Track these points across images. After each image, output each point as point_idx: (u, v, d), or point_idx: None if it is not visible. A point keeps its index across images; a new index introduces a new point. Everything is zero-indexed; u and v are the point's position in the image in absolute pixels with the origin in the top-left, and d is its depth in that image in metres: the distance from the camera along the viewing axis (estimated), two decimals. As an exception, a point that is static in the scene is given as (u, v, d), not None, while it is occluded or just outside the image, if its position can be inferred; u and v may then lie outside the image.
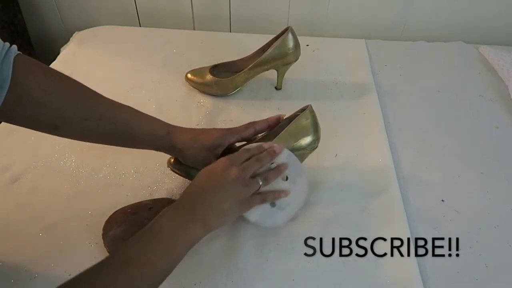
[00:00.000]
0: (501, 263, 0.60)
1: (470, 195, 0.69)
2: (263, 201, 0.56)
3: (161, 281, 0.47)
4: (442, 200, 0.68)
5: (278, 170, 0.57)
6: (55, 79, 0.55)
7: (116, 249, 0.46)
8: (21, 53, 0.51)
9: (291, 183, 0.59)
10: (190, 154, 0.61)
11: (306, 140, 0.63)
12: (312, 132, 0.63)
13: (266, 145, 0.58)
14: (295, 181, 0.59)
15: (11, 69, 0.48)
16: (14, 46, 0.51)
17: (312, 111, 0.63)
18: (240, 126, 0.63)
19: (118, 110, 0.59)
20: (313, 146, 0.64)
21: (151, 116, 0.62)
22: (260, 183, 0.55)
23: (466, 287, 0.57)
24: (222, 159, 0.55)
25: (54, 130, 0.55)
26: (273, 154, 0.57)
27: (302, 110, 0.64)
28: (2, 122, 0.78)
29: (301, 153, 0.63)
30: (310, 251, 0.59)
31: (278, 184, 0.58)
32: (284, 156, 0.58)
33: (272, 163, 0.58)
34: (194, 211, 0.51)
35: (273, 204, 0.59)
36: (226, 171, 0.53)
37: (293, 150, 0.61)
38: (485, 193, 0.70)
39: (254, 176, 0.55)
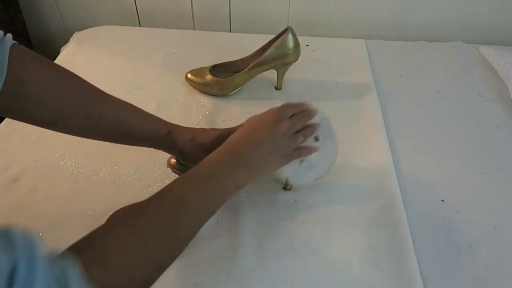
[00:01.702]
0: (501, 263, 0.60)
1: (470, 195, 0.69)
2: (299, 155, 0.58)
3: (204, 223, 0.48)
4: (442, 200, 0.68)
5: (314, 128, 0.58)
6: (54, 74, 0.53)
7: (167, 189, 0.46)
8: (16, 42, 0.49)
9: (322, 144, 0.61)
10: (189, 153, 0.61)
11: None
12: None
13: (305, 104, 0.59)
14: (325, 142, 0.61)
15: (7, 60, 0.46)
16: (9, 35, 0.49)
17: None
18: (238, 125, 0.63)
19: (120, 107, 0.58)
20: None
21: (152, 114, 0.62)
22: (301, 139, 0.57)
23: (466, 287, 0.57)
24: (272, 110, 0.56)
25: (52, 126, 0.54)
26: (311, 114, 0.58)
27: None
28: (2, 122, 0.78)
29: None
30: (310, 251, 0.59)
31: (309, 143, 0.60)
32: (318, 118, 0.60)
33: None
34: (241, 158, 0.51)
35: (302, 163, 0.60)
36: (277, 124, 0.54)
37: None
38: (485, 193, 0.70)
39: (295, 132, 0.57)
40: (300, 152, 0.58)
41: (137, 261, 0.39)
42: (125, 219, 0.42)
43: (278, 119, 0.55)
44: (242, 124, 0.57)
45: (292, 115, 0.57)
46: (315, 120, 0.59)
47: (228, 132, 0.62)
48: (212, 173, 0.49)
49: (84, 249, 0.36)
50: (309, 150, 0.59)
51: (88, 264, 0.33)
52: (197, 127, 0.77)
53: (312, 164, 0.61)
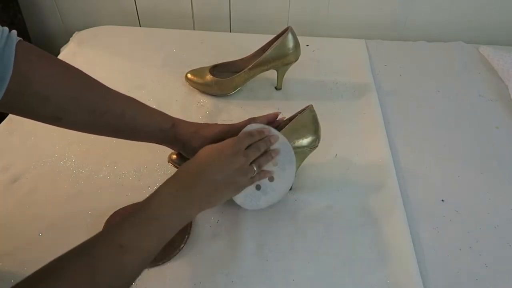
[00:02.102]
0: (501, 263, 0.60)
1: (470, 195, 0.69)
2: (251, 182, 0.57)
3: (148, 263, 0.47)
4: (442, 200, 0.68)
5: (270, 155, 0.58)
6: (59, 70, 0.53)
7: (109, 231, 0.45)
8: (21, 39, 0.49)
9: (280, 169, 0.60)
10: (192, 147, 0.61)
11: (307, 139, 0.63)
12: (312, 131, 0.63)
13: (266, 130, 0.58)
14: (284, 168, 0.60)
15: (13, 58, 0.46)
16: (14, 32, 0.48)
17: (312, 111, 0.63)
18: (240, 122, 0.63)
19: (124, 102, 0.58)
20: (313, 145, 0.64)
21: (155, 109, 0.62)
22: (255, 170, 0.56)
23: (466, 287, 0.57)
24: (228, 142, 0.55)
25: (57, 121, 0.54)
26: (270, 142, 0.58)
27: (303, 110, 0.64)
28: (2, 122, 0.78)
29: (302, 151, 0.64)
30: (310, 251, 0.59)
31: (267, 167, 0.59)
32: (279, 143, 0.59)
33: None
34: (191, 194, 0.50)
35: (258, 187, 0.60)
36: (233, 158, 0.53)
37: (294, 148, 0.61)
38: (485, 193, 0.70)
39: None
40: (253, 178, 0.57)
41: None
42: (72, 261, 0.42)
43: (233, 153, 0.53)
44: (198, 153, 0.54)
45: (250, 145, 0.56)
46: (274, 146, 0.58)
47: (230, 128, 0.62)
48: (161, 214, 0.48)
49: None
50: (262, 175, 0.58)
51: None
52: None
53: (268, 189, 0.60)
